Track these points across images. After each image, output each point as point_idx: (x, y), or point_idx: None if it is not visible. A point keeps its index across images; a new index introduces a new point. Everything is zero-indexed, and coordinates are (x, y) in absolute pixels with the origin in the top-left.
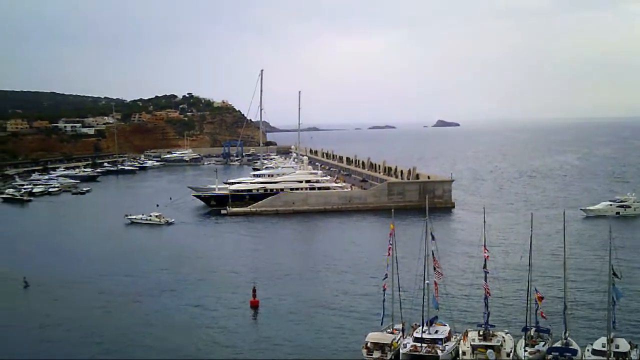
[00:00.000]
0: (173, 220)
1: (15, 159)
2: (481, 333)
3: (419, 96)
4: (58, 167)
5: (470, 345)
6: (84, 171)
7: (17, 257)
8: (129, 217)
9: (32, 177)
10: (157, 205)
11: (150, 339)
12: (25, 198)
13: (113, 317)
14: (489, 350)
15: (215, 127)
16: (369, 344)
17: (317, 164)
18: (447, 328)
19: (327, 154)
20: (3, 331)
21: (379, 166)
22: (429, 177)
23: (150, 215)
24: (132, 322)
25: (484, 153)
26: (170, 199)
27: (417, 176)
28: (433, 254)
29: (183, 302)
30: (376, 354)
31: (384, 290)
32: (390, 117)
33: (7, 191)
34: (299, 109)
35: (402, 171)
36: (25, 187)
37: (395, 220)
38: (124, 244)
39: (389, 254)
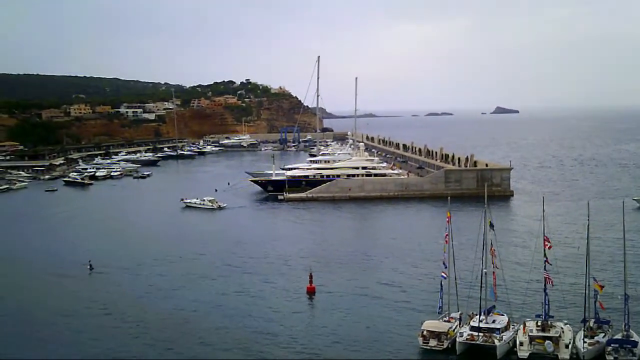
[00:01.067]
0: (225, 204)
1: (78, 143)
2: (539, 324)
3: (477, 83)
4: (120, 152)
5: (528, 336)
6: (144, 156)
7: (80, 240)
8: (185, 201)
9: (94, 161)
10: (216, 190)
11: (208, 323)
12: (86, 182)
13: (169, 302)
14: (547, 342)
15: (272, 113)
16: (425, 332)
17: (373, 150)
18: (505, 318)
19: (383, 141)
20: (68, 317)
21: (436, 153)
22: (486, 165)
23: (204, 200)
24: (188, 306)
25: (544, 141)
26: (229, 183)
27: (475, 163)
28: (491, 242)
29: (239, 287)
30: (432, 342)
31: (442, 278)
32: (448, 103)
33: (70, 174)
34: (356, 95)
35: (459, 158)
36: (88, 170)
37: (452, 208)
38: (181, 228)
39: (446, 242)
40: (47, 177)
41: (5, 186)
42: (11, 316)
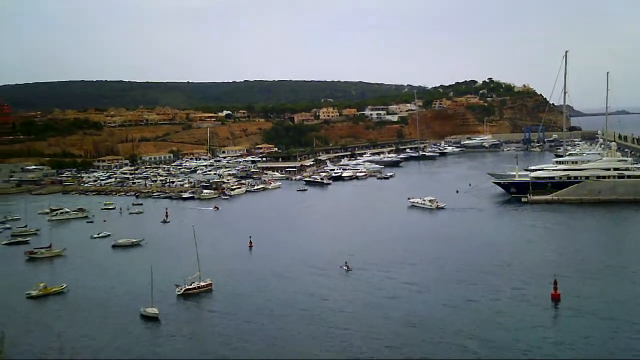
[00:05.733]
0: (444, 205)
1: (326, 144)
2: None
3: None
4: (364, 153)
5: None
6: (388, 157)
7: (322, 239)
8: (410, 200)
9: (341, 162)
10: (457, 192)
11: (459, 325)
12: (325, 181)
13: (405, 305)
14: None
15: (515, 112)
16: None
17: (626, 150)
18: None
19: (637, 140)
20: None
21: None
22: None
23: (425, 200)
24: (431, 307)
25: None
26: (470, 185)
27: None
28: None
29: (482, 291)
30: None
31: None
32: None
33: (312, 176)
34: (607, 91)
35: None
36: (335, 171)
37: None
38: (412, 228)
39: None
40: (297, 177)
41: (261, 186)
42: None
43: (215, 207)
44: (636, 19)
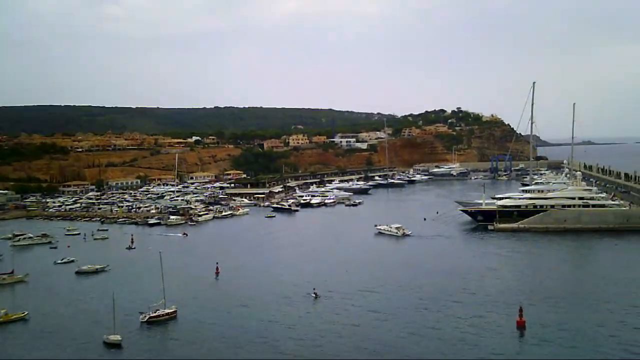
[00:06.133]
0: (411, 232)
1: (295, 171)
2: None
3: None
4: (333, 180)
5: None
6: (356, 184)
7: (289, 266)
8: (377, 227)
9: (310, 189)
10: (425, 219)
11: (424, 354)
12: (292, 208)
13: (379, 329)
14: None
15: (483, 141)
16: None
17: (591, 180)
18: None
19: (602, 170)
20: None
21: None
22: None
23: (391, 227)
24: (396, 335)
25: None
26: (437, 212)
27: None
28: None
29: (446, 318)
30: None
31: None
32: None
33: (280, 202)
34: (573, 121)
35: None
36: (304, 198)
37: None
38: (378, 254)
39: None
40: (266, 204)
41: (229, 212)
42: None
43: (184, 234)
44: (603, 52)
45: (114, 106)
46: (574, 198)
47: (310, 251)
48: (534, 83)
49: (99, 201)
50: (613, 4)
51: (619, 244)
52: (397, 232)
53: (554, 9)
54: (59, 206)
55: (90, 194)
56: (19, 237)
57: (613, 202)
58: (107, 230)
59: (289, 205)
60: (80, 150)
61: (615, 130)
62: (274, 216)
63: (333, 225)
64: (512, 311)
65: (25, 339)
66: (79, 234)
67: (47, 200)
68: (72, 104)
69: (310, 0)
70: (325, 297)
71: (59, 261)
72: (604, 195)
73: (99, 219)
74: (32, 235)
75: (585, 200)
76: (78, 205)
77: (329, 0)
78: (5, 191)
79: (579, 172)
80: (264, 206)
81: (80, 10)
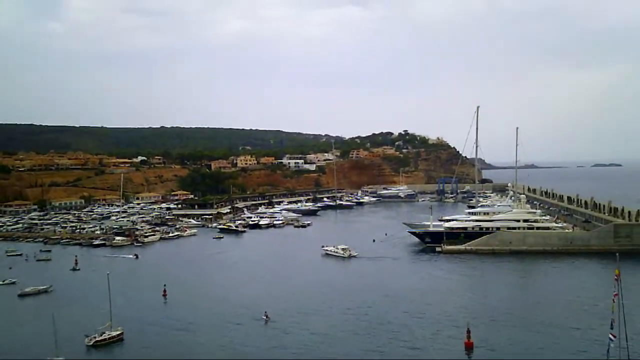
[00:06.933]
0: (357, 253)
1: (244, 192)
2: None
3: None
4: (282, 201)
5: None
6: (305, 205)
7: (237, 288)
8: (324, 248)
9: (259, 210)
10: (374, 241)
11: None
12: (240, 229)
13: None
14: None
15: (430, 163)
16: None
17: (535, 202)
18: None
19: (546, 193)
20: None
21: (604, 206)
22: None
23: (338, 248)
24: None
25: None
26: (386, 234)
27: None
28: None
29: (395, 340)
30: None
31: (610, 340)
32: (616, 154)
33: (227, 224)
34: (517, 145)
35: (629, 212)
36: (252, 219)
37: (622, 265)
38: (325, 276)
39: (614, 302)
40: (214, 224)
41: (177, 233)
42: None
43: (135, 255)
44: (546, 77)
45: (56, 125)
46: (519, 220)
47: (257, 273)
48: (477, 107)
49: (42, 221)
50: (557, 32)
51: (560, 266)
52: (343, 253)
53: (497, 33)
54: (0, 226)
55: (33, 214)
56: None
57: (557, 225)
58: (50, 251)
59: (236, 227)
60: (22, 169)
61: (557, 154)
62: (222, 237)
63: (281, 246)
64: (460, 332)
65: None
66: (20, 254)
67: None
68: (13, 122)
69: (256, 20)
70: (274, 320)
71: (0, 282)
72: (547, 217)
73: (42, 239)
74: None
75: (530, 223)
76: (20, 225)
77: (275, 22)
78: None
79: (523, 195)
80: (212, 227)
81: (21, 26)
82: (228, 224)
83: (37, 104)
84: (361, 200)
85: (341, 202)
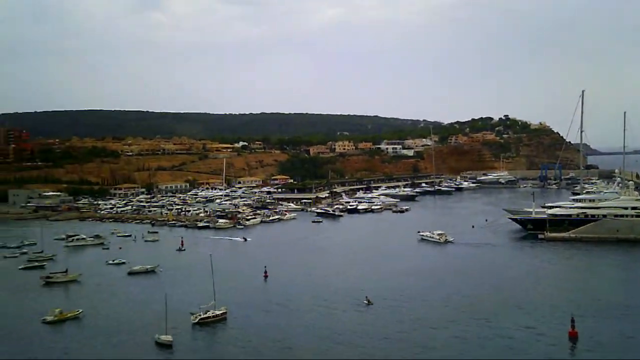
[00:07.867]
0: (452, 239)
1: (342, 177)
2: None
3: None
4: (380, 186)
5: None
6: (403, 190)
7: (334, 270)
8: (420, 233)
9: (357, 195)
10: (473, 227)
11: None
12: (337, 213)
13: (432, 341)
14: None
15: (532, 149)
16: None
17: None
18: None
19: None
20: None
21: None
22: None
23: (434, 233)
24: (443, 344)
25: None
26: (486, 220)
27: None
28: None
29: (496, 328)
30: None
31: None
32: None
33: (325, 208)
34: (624, 130)
35: None
36: (351, 204)
37: None
38: (428, 261)
39: None
40: (313, 209)
41: (277, 217)
42: None
43: (244, 238)
44: None
45: (162, 111)
46: (627, 208)
47: (355, 256)
48: (583, 91)
49: (149, 204)
50: None
51: None
52: (439, 239)
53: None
54: (111, 208)
55: (141, 196)
56: (72, 238)
57: None
58: (157, 232)
59: (334, 211)
60: (130, 154)
61: None
62: (320, 221)
63: (378, 231)
64: (564, 321)
65: (80, 337)
66: (129, 235)
67: (99, 202)
68: (121, 109)
69: (351, 8)
70: (377, 304)
71: (111, 262)
72: None
73: (149, 221)
74: (85, 237)
75: (638, 211)
76: (129, 207)
77: (370, 9)
78: (59, 193)
79: (631, 182)
80: (311, 211)
81: (126, 19)
82: (325, 208)
83: (145, 92)
84: (460, 186)
85: (440, 188)
